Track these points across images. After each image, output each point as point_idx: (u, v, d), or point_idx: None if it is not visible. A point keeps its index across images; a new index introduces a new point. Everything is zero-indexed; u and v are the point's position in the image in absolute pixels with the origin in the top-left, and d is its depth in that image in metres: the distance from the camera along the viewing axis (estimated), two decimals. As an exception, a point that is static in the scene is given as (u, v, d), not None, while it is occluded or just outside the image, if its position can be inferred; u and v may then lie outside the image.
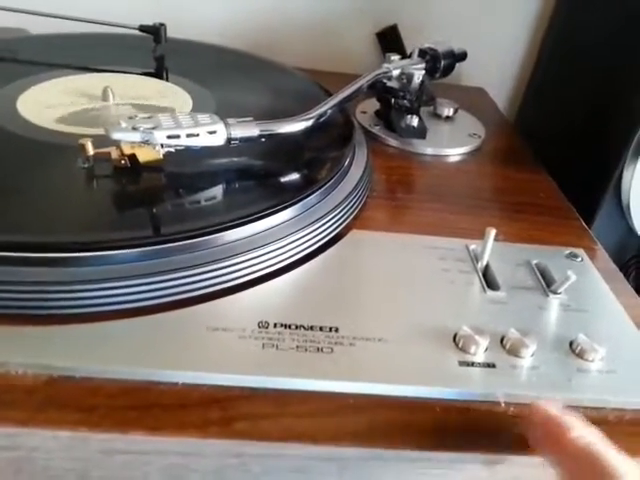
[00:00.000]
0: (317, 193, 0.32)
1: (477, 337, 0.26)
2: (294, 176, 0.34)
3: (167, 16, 0.49)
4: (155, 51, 0.47)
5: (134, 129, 0.29)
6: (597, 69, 0.48)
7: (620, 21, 0.46)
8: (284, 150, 0.36)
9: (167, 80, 0.45)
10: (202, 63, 0.48)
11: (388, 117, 0.45)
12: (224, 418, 0.22)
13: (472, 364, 0.25)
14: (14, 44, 0.48)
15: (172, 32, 0.48)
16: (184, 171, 0.32)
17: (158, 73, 0.46)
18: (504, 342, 0.26)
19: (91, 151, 0.31)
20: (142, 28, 0.47)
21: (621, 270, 0.48)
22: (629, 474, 0.19)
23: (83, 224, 0.27)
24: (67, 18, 0.48)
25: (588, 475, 0.19)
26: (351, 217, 0.34)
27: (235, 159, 0.34)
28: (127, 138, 0.29)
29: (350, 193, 0.34)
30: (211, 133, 0.31)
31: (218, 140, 0.31)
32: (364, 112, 0.48)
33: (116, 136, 0.29)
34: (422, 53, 0.46)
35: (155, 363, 0.23)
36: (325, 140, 0.38)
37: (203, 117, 0.31)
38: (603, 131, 0.46)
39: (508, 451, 0.23)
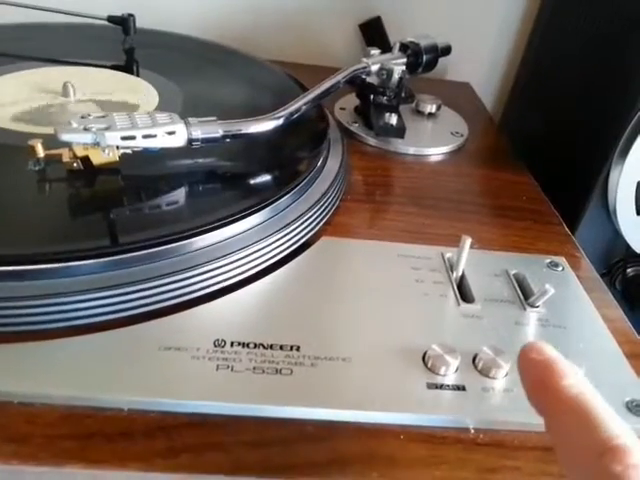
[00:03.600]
0: (285, 197, 0.31)
1: (447, 357, 0.24)
2: (262, 179, 0.33)
3: (137, 7, 0.47)
4: (124, 43, 0.45)
5: (85, 130, 0.27)
6: (583, 68, 0.46)
7: (606, 21, 0.44)
8: (252, 150, 0.34)
9: (135, 73, 0.43)
10: (172, 56, 0.46)
11: (367, 114, 0.43)
12: (170, 449, 0.20)
13: (441, 386, 0.24)
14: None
15: (142, 23, 0.46)
16: (141, 174, 0.31)
17: (126, 66, 0.43)
18: (476, 362, 0.25)
19: (41, 153, 0.29)
20: (110, 19, 0.45)
21: (607, 274, 0.47)
22: (616, 429, 0.17)
23: (26, 234, 0.25)
24: (33, 7, 0.45)
25: (573, 426, 0.17)
26: (322, 223, 0.32)
27: (198, 160, 0.32)
28: (77, 140, 0.27)
29: (322, 197, 0.33)
30: (170, 134, 0.29)
31: (178, 141, 0.29)
32: (343, 108, 0.46)
33: (65, 137, 0.27)
34: (403, 47, 0.44)
35: (101, 387, 0.22)
36: (297, 139, 0.36)
37: (162, 116, 0.29)
38: (589, 131, 0.45)
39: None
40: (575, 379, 0.19)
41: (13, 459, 0.20)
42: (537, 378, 0.19)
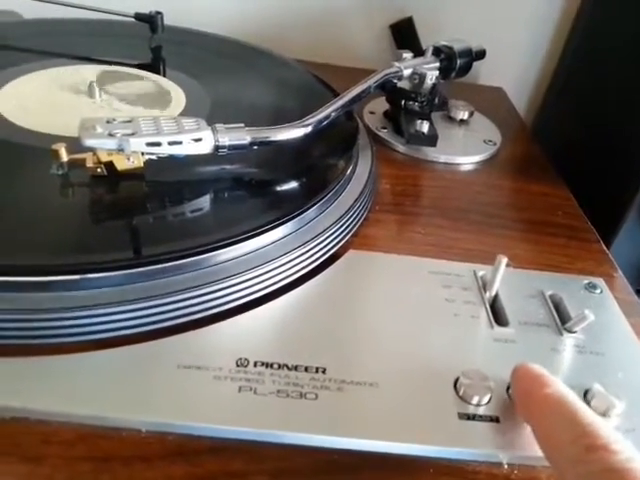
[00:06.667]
0: (312, 209, 0.29)
1: (480, 385, 0.23)
2: (288, 188, 0.31)
3: (165, 4, 0.46)
4: (151, 41, 0.44)
5: (110, 135, 0.26)
6: (623, 73, 0.44)
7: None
8: (279, 157, 0.33)
9: (162, 72, 0.42)
10: (200, 55, 0.45)
11: (397, 120, 0.42)
12: (189, 475, 0.20)
13: (473, 417, 0.23)
14: (4, 28, 0.45)
15: (170, 21, 0.45)
16: (166, 181, 0.30)
17: (152, 65, 0.43)
18: (510, 391, 0.24)
19: (65, 157, 0.28)
20: (138, 16, 0.44)
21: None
22: (596, 424, 0.19)
23: (45, 242, 0.25)
24: (61, 4, 0.45)
25: (557, 426, 0.19)
26: (349, 235, 0.31)
27: (224, 167, 0.31)
28: (101, 145, 0.26)
29: (350, 208, 0.31)
30: (197, 140, 0.28)
31: (204, 148, 0.28)
32: (372, 112, 0.45)
33: (89, 143, 0.26)
34: (437, 51, 0.43)
35: (117, 406, 0.21)
36: (326, 146, 0.35)
37: (188, 122, 0.28)
38: (628, 140, 0.43)
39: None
40: (557, 387, 0.21)
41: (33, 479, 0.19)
42: (524, 390, 0.22)
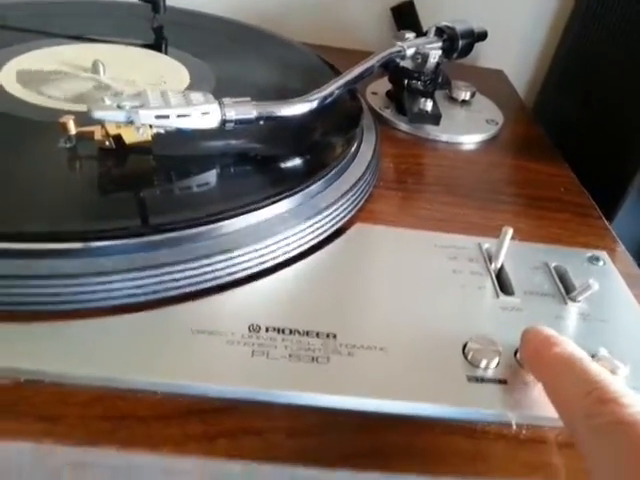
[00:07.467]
0: (319, 182, 0.30)
1: (488, 349, 0.24)
2: (295, 163, 0.32)
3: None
4: (153, 21, 0.44)
5: (119, 107, 0.27)
6: (626, 54, 0.45)
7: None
8: (284, 133, 0.33)
9: (165, 53, 0.42)
10: (203, 36, 0.45)
11: (400, 100, 0.42)
12: (205, 433, 0.20)
13: (482, 380, 0.23)
14: (4, 8, 0.45)
15: (172, 2, 0.45)
16: (173, 155, 0.30)
17: (155, 45, 0.43)
18: (518, 356, 0.24)
19: (73, 130, 0.28)
20: (140, -4, 0.44)
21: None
22: (606, 379, 0.19)
23: (58, 212, 0.25)
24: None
25: (568, 382, 0.20)
26: (355, 209, 0.31)
27: (230, 142, 0.31)
28: (111, 117, 0.26)
29: (356, 182, 0.32)
30: (204, 114, 0.28)
31: (211, 122, 0.29)
32: (375, 93, 0.45)
33: (98, 115, 0.26)
34: (439, 32, 0.43)
35: (133, 369, 0.21)
36: (330, 123, 0.35)
37: (196, 96, 0.29)
38: (628, 122, 0.43)
39: (517, 477, 0.21)
40: (567, 345, 0.21)
41: (47, 437, 0.19)
42: (534, 350, 0.22)
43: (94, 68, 0.36)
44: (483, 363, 0.23)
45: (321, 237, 0.28)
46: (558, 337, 0.22)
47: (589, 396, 0.18)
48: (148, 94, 0.28)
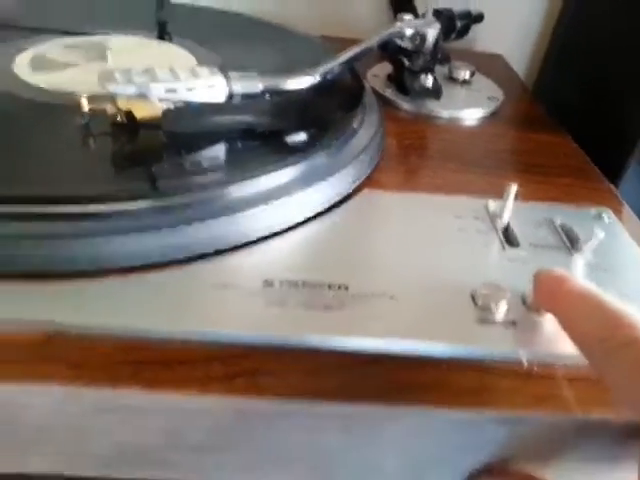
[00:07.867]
0: (328, 150, 0.30)
1: (497, 294, 0.24)
2: (303, 134, 0.33)
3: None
4: (157, 15, 0.45)
5: (130, 82, 0.28)
6: (619, 32, 0.46)
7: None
8: (292, 110, 0.34)
9: (170, 40, 0.43)
10: (207, 28, 0.46)
11: (400, 80, 0.43)
12: (226, 374, 0.21)
13: (492, 322, 0.24)
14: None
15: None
16: (184, 129, 0.31)
17: (159, 37, 0.44)
18: (525, 300, 0.25)
19: (86, 107, 0.29)
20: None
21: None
22: (622, 309, 0.19)
23: (84, 178, 0.26)
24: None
25: (584, 313, 0.20)
26: (363, 177, 0.32)
27: (239, 117, 0.32)
28: (123, 90, 0.27)
29: (362, 151, 0.32)
30: (211, 87, 0.29)
31: (219, 95, 0.29)
32: (376, 75, 0.46)
33: (111, 88, 0.27)
34: (436, 13, 0.44)
35: (155, 320, 0.22)
36: (334, 100, 0.36)
37: (203, 70, 0.30)
38: (628, 105, 0.44)
39: (529, 410, 0.21)
40: (580, 282, 0.22)
41: (75, 381, 0.20)
42: (548, 288, 0.23)
43: (102, 56, 0.37)
44: (493, 307, 0.24)
45: (330, 201, 0.29)
46: (571, 275, 0.22)
47: (605, 323, 0.19)
48: (156, 69, 0.29)
